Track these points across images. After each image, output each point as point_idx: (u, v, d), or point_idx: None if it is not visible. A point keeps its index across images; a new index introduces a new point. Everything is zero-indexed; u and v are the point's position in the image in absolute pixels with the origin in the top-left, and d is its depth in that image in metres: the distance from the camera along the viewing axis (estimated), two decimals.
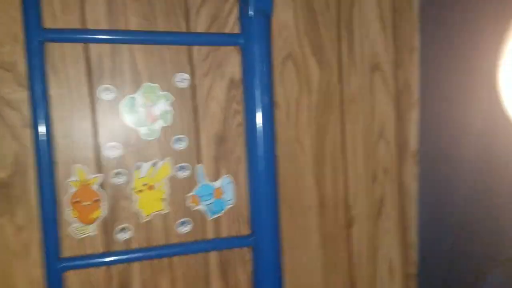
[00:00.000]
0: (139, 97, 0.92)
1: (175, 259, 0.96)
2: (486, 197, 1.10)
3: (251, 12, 0.91)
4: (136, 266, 0.94)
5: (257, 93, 0.94)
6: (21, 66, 0.84)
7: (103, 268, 0.91)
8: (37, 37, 0.81)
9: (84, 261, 0.87)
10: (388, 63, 1.09)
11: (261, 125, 0.95)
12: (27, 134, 0.85)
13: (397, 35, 1.10)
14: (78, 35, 0.86)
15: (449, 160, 1.07)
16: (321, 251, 1.06)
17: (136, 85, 0.92)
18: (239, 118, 0.99)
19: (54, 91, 0.86)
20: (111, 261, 0.89)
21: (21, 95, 0.84)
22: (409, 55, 1.11)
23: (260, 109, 0.94)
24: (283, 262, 1.01)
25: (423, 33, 1.09)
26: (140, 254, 0.91)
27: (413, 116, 1.10)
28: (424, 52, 1.08)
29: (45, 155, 0.82)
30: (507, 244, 1.08)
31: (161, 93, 0.93)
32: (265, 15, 0.92)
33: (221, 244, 0.99)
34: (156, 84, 0.93)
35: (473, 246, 1.10)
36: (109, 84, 0.90)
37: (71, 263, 0.85)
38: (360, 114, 1.07)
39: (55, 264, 0.83)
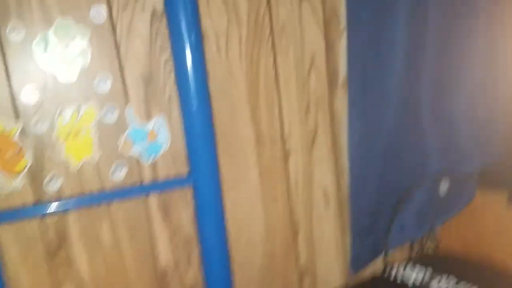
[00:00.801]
0: (52, 35, 0.83)
1: (114, 205, 0.94)
2: (410, 121, 1.17)
3: None
4: (72, 215, 0.90)
5: (183, 26, 0.89)
6: None
7: (37, 220, 0.87)
8: None
9: (14, 214, 0.82)
10: None
11: (191, 60, 0.91)
12: None
13: None
14: None
15: (376, 86, 1.11)
16: (260, 185, 1.09)
17: (47, 22, 0.83)
18: (166, 55, 0.94)
19: None
20: (42, 210, 0.85)
21: None
22: None
23: (188, 43, 0.90)
24: (224, 199, 1.02)
25: None
26: (73, 202, 0.88)
27: (342, 45, 1.11)
28: None
29: None
30: (431, 161, 1.18)
31: (76, 29, 0.85)
32: None
33: (159, 186, 0.98)
34: (70, 19, 0.84)
35: (401, 167, 1.19)
36: (17, 23, 0.81)
37: (2, 216, 0.80)
38: (290, 45, 1.06)
39: None
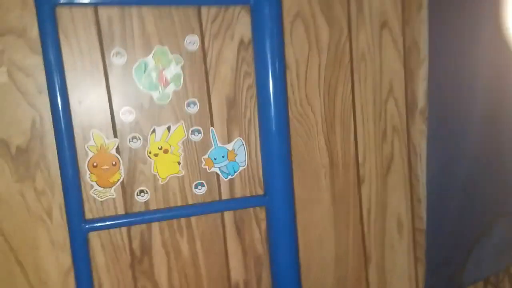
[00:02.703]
0: (150, 60, 0.92)
1: (193, 219, 0.99)
2: (492, 153, 1.13)
3: None
4: (155, 227, 0.97)
5: (268, 54, 0.94)
6: (32, 31, 0.84)
7: (124, 229, 0.94)
8: (48, 1, 0.80)
9: (107, 222, 0.89)
10: (396, 20, 1.08)
11: (273, 86, 0.95)
12: (42, 101, 0.86)
13: None
14: None
15: (457, 117, 1.09)
16: (332, 209, 1.09)
17: (147, 48, 0.92)
18: (250, 80, 0.99)
19: (66, 56, 0.86)
20: (132, 221, 0.92)
21: (35, 61, 0.85)
22: (416, 11, 1.10)
23: (271, 71, 0.95)
24: (296, 221, 1.04)
25: None
26: (159, 215, 0.94)
27: (421, 74, 1.11)
28: (431, 8, 1.07)
29: (61, 120, 0.83)
30: (510, 201, 1.12)
31: (171, 56, 0.93)
32: None
33: (236, 204, 1.02)
34: (166, 47, 0.92)
35: (479, 201, 1.14)
36: (120, 48, 0.90)
37: (95, 224, 0.88)
38: (369, 72, 1.08)
39: (80, 226, 0.86)
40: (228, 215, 1.02)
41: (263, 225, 1.04)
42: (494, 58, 1.08)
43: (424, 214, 1.14)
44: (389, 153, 1.12)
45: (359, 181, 1.11)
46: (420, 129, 1.13)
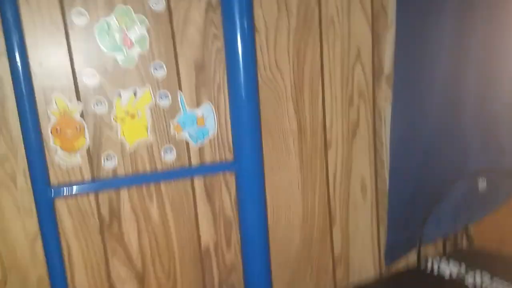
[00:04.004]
0: (112, 20, 0.88)
1: (162, 185, 0.99)
2: (452, 118, 1.17)
3: None
4: (123, 193, 0.96)
5: (237, 16, 0.92)
6: None
7: (92, 195, 0.93)
8: None
9: (74, 188, 0.88)
10: None
11: (242, 49, 0.94)
12: (1, 63, 0.82)
13: None
14: None
15: (421, 82, 1.12)
16: (300, 173, 1.12)
17: (109, 8, 0.88)
18: (219, 44, 0.97)
19: (25, 17, 0.82)
20: (99, 187, 0.91)
21: None
22: None
23: (240, 33, 0.93)
24: (265, 185, 1.05)
25: None
26: (127, 180, 0.93)
27: (388, 38, 1.12)
28: None
29: (22, 83, 0.80)
30: (471, 157, 1.18)
31: (135, 16, 0.89)
32: None
33: (205, 169, 1.03)
34: (130, 6, 0.89)
35: (439, 164, 1.19)
36: (81, 7, 0.86)
37: (61, 190, 0.86)
38: (337, 36, 1.08)
39: (46, 192, 0.84)
40: (198, 181, 1.03)
41: (233, 189, 1.06)
42: (458, 23, 1.11)
43: (387, 176, 1.19)
44: (355, 118, 1.15)
45: (326, 146, 1.13)
46: (385, 94, 1.16)
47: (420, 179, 1.17)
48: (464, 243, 1.33)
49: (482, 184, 1.24)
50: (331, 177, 1.15)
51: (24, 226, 0.89)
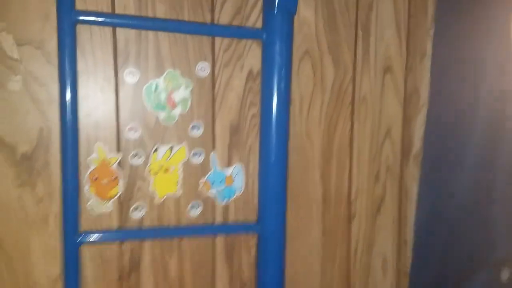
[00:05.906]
0: (161, 82, 0.95)
1: (184, 240, 1.00)
2: (482, 202, 1.16)
3: (275, 9, 0.94)
4: (147, 244, 0.98)
5: (275, 87, 0.97)
6: (50, 44, 0.87)
7: (116, 244, 0.95)
8: (69, 18, 0.83)
9: (101, 235, 0.90)
10: (400, 66, 1.13)
11: (276, 118, 0.98)
12: (52, 110, 0.88)
13: (410, 40, 1.14)
14: (108, 19, 0.88)
15: (450, 165, 1.13)
16: (321, 243, 1.12)
17: (159, 71, 0.95)
18: (254, 110, 1.02)
19: (81, 71, 0.89)
20: (125, 237, 0.94)
21: (49, 72, 0.87)
22: (420, 60, 1.15)
23: (276, 103, 0.98)
24: (285, 251, 1.05)
25: (435, 40, 1.13)
26: (153, 232, 0.96)
27: (419, 120, 1.15)
28: (435, 58, 1.12)
29: (69, 131, 0.86)
30: (494, 250, 1.15)
31: (182, 79, 0.96)
32: (289, 12, 0.95)
33: (228, 228, 1.04)
34: (178, 71, 0.96)
35: (464, 249, 1.16)
36: (134, 68, 0.93)
37: (89, 237, 0.89)
38: (369, 114, 1.12)
39: (74, 237, 0.87)
40: (220, 239, 1.04)
41: (253, 252, 1.06)
42: (489, 112, 1.12)
43: (409, 256, 1.17)
44: (381, 194, 1.15)
45: (350, 218, 1.13)
46: (412, 172, 1.16)
47: (444, 262, 1.14)
48: None
49: (505, 274, 1.19)
50: (352, 250, 1.14)
51: (47, 267, 0.91)
